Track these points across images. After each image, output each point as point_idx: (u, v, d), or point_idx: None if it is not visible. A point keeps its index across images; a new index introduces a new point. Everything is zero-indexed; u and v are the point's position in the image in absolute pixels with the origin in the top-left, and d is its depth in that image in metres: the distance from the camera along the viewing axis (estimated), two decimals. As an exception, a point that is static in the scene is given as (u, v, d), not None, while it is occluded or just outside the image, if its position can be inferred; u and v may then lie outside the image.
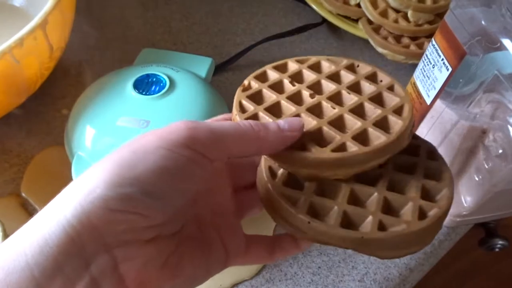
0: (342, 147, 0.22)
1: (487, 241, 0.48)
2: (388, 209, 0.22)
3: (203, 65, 0.38)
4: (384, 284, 0.34)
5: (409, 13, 0.44)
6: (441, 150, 0.35)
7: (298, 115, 0.24)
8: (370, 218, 0.21)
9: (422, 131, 0.37)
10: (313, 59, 0.28)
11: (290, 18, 0.53)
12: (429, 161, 0.25)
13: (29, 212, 0.35)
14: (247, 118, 0.24)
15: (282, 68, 0.28)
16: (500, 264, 0.63)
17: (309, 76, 0.26)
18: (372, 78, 0.27)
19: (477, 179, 0.33)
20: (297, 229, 0.22)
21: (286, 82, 0.26)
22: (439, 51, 0.33)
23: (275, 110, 0.25)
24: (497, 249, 0.48)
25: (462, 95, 0.32)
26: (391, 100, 0.25)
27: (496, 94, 0.29)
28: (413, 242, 0.21)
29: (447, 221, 0.36)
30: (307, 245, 0.23)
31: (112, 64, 0.41)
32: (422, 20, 0.44)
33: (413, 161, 0.24)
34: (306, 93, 0.25)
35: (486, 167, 0.32)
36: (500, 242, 0.48)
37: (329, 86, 0.25)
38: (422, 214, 0.21)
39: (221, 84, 0.45)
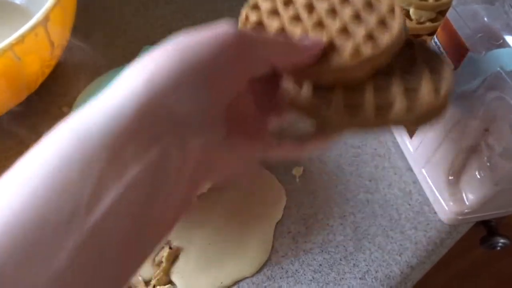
0: (358, 52, 0.24)
1: (488, 239, 0.48)
2: (408, 92, 0.25)
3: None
4: (385, 282, 0.34)
5: (411, 11, 0.44)
6: (443, 148, 0.35)
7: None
8: (397, 100, 0.24)
9: (423, 130, 0.37)
10: None
11: None
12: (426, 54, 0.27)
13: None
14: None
15: None
16: (501, 263, 0.63)
17: None
18: None
19: (479, 177, 0.33)
20: (333, 123, 0.24)
21: (281, 7, 0.26)
22: (441, 49, 0.33)
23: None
24: (498, 248, 0.48)
25: (465, 93, 0.32)
26: (381, 4, 0.26)
27: (499, 92, 0.29)
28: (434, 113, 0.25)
29: (449, 219, 0.36)
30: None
31: (112, 62, 0.41)
32: (424, 18, 0.44)
33: (413, 55, 0.27)
34: (304, 14, 0.26)
35: (489, 165, 0.32)
36: (502, 240, 0.48)
37: (320, 4, 0.26)
38: (436, 91, 0.24)
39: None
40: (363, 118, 0.24)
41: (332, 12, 0.26)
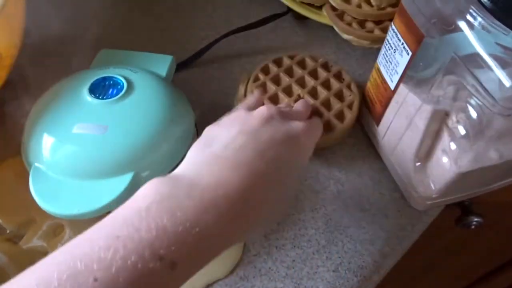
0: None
1: (463, 219, 0.49)
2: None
3: (163, 64, 0.37)
4: (358, 273, 0.34)
5: (371, -3, 0.44)
6: (408, 135, 0.35)
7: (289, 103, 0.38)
8: None
9: (389, 117, 0.37)
10: (299, 56, 0.42)
11: (255, 9, 0.52)
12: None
13: (-8, 227, 0.34)
14: None
15: (278, 63, 0.42)
16: (478, 240, 0.64)
17: (297, 71, 0.41)
18: (338, 76, 0.41)
19: (444, 161, 0.33)
20: None
21: (282, 75, 0.41)
22: (399, 35, 0.33)
23: (274, 99, 0.39)
24: (472, 227, 0.49)
25: (424, 79, 0.32)
26: (347, 96, 0.40)
27: (456, 76, 0.29)
28: None
29: (418, 204, 0.36)
30: None
31: (69, 67, 0.40)
32: (384, 3, 0.44)
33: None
34: (295, 87, 0.40)
35: (452, 149, 0.32)
36: (476, 219, 0.48)
37: (310, 82, 0.40)
38: None
39: (185, 81, 0.44)
40: None
41: (313, 90, 0.40)
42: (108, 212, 0.31)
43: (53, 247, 0.33)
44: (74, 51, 0.41)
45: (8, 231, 0.34)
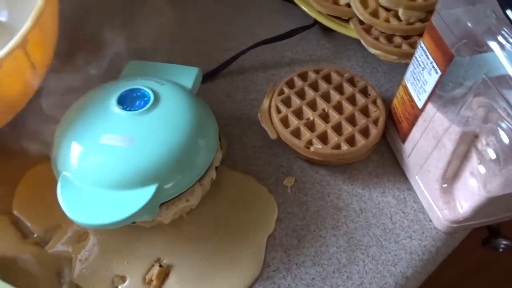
0: (337, 146, 0.37)
1: (490, 241, 0.47)
2: None
3: (189, 76, 0.38)
4: (379, 294, 0.33)
5: (400, 12, 0.43)
6: (435, 155, 0.34)
7: (313, 119, 0.39)
8: None
9: (415, 136, 0.36)
10: (325, 70, 0.42)
11: (281, 20, 0.52)
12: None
13: (20, 230, 0.35)
14: (280, 119, 0.39)
15: (304, 76, 0.42)
16: (503, 263, 0.62)
17: (323, 85, 0.41)
18: (364, 91, 0.41)
19: (472, 184, 0.32)
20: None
21: (307, 89, 0.41)
22: (428, 54, 0.32)
23: (298, 112, 0.39)
24: (500, 249, 0.47)
25: (453, 99, 0.31)
26: (373, 111, 0.40)
27: (486, 98, 0.28)
28: None
29: (444, 227, 0.35)
30: None
31: (99, 78, 0.41)
32: (413, 18, 0.43)
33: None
34: (319, 101, 0.40)
35: (481, 172, 0.31)
36: (504, 242, 0.47)
37: (335, 96, 0.40)
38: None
39: (210, 91, 0.45)
40: None
41: (338, 105, 0.40)
42: (133, 223, 0.32)
43: (77, 253, 0.33)
44: (103, 62, 0.41)
45: (35, 235, 0.35)
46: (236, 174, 0.38)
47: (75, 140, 0.31)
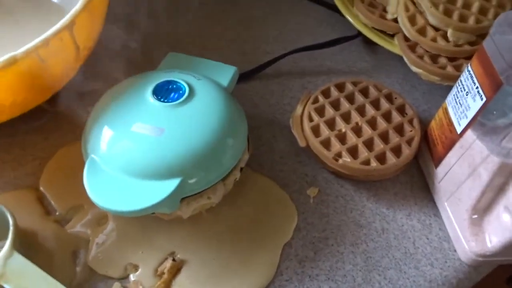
0: (367, 162, 0.36)
1: (516, 280, 0.45)
2: None
3: (226, 74, 0.38)
4: (393, 320, 0.32)
5: (449, 32, 0.42)
6: (468, 183, 0.33)
7: (345, 131, 0.38)
8: None
9: (450, 161, 0.35)
10: (363, 84, 0.41)
11: (324, 29, 0.52)
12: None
13: (44, 206, 0.36)
14: (311, 127, 0.38)
15: (340, 87, 0.41)
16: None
17: (359, 99, 0.40)
18: (401, 109, 0.40)
19: (505, 219, 0.31)
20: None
21: (342, 100, 0.40)
22: (474, 78, 0.31)
23: (330, 123, 0.39)
24: (526, 290, 0.45)
25: (496, 128, 0.30)
26: (407, 131, 0.39)
27: (532, 132, 0.27)
28: None
29: (469, 259, 0.34)
30: None
31: (139, 66, 0.41)
32: (462, 40, 0.41)
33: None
34: (354, 114, 0.39)
35: (516, 207, 0.30)
36: (530, 283, 0.44)
37: (370, 111, 0.39)
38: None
39: (245, 92, 0.45)
40: None
41: (373, 120, 0.39)
42: (152, 214, 0.32)
43: (95, 236, 0.34)
44: (144, 51, 0.42)
45: (57, 213, 0.35)
46: (260, 178, 0.38)
47: (106, 125, 0.31)
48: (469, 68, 0.32)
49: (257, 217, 0.36)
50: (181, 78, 0.34)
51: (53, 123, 0.40)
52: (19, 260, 0.29)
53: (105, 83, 0.41)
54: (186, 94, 0.33)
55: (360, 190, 0.38)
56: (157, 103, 0.32)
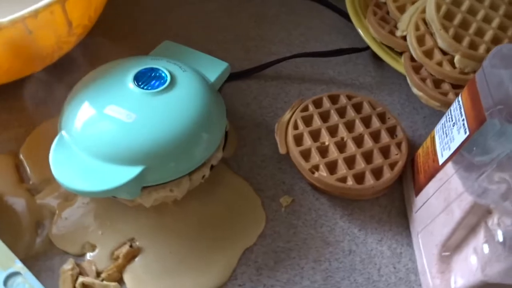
0: (343, 179, 0.35)
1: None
2: None
3: (216, 69, 0.37)
4: None
5: (456, 58, 0.40)
6: (442, 218, 0.31)
7: (327, 145, 0.37)
8: None
9: (428, 191, 0.33)
10: (358, 98, 0.40)
11: (335, 37, 0.50)
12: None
13: (19, 173, 0.36)
14: (294, 135, 0.37)
15: (334, 99, 0.40)
16: None
17: (350, 113, 0.39)
18: (391, 130, 0.39)
19: (472, 262, 0.29)
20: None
21: (333, 113, 0.39)
22: (462, 110, 0.29)
23: (315, 134, 0.37)
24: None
25: (475, 165, 0.28)
26: (393, 154, 0.37)
27: (508, 175, 0.25)
28: None
29: (431, 296, 0.32)
30: None
31: (133, 49, 0.41)
32: (469, 68, 0.39)
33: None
34: (341, 128, 0.38)
35: (484, 252, 0.28)
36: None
37: (359, 127, 0.38)
38: None
39: (240, 90, 0.44)
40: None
41: (359, 138, 0.37)
42: (114, 197, 0.32)
43: (61, 210, 0.34)
44: (141, 37, 0.42)
45: (30, 182, 0.36)
46: (235, 178, 0.38)
47: (81, 103, 0.31)
48: (459, 98, 0.30)
49: (224, 217, 0.35)
50: (165, 67, 0.33)
51: (44, 94, 0.41)
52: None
53: (97, 63, 0.41)
54: (167, 84, 0.32)
55: (335, 207, 0.37)
56: (136, 89, 0.32)
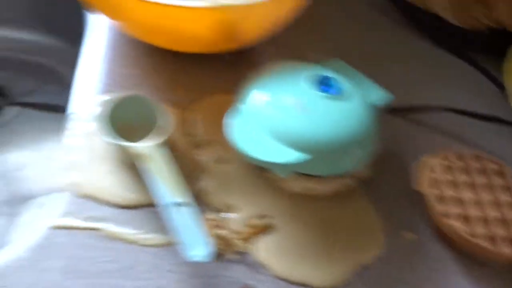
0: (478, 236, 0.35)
1: None
2: None
3: (379, 97, 0.40)
4: None
5: None
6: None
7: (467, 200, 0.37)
8: None
9: None
10: (506, 168, 0.40)
11: (483, 99, 0.50)
12: None
13: (186, 128, 0.41)
14: (432, 178, 0.39)
15: (478, 160, 0.41)
16: None
17: (494, 178, 0.39)
18: None
19: None
20: None
21: (474, 170, 0.40)
22: None
23: (455, 185, 0.38)
24: None
25: None
26: None
27: None
28: None
29: None
30: None
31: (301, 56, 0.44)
32: None
33: None
34: (481, 187, 0.38)
35: None
36: None
37: (501, 195, 0.38)
38: None
39: (384, 121, 0.45)
40: None
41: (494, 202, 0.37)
42: (265, 171, 0.36)
43: (213, 170, 0.39)
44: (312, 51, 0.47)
45: (196, 138, 0.40)
46: (365, 197, 0.39)
47: (267, 88, 0.37)
48: None
49: (349, 228, 0.37)
50: (341, 79, 0.38)
51: (228, 71, 0.46)
52: (165, 152, 0.36)
53: (283, 56, 0.44)
54: (341, 93, 0.37)
55: (444, 259, 0.37)
56: (314, 89, 0.36)
